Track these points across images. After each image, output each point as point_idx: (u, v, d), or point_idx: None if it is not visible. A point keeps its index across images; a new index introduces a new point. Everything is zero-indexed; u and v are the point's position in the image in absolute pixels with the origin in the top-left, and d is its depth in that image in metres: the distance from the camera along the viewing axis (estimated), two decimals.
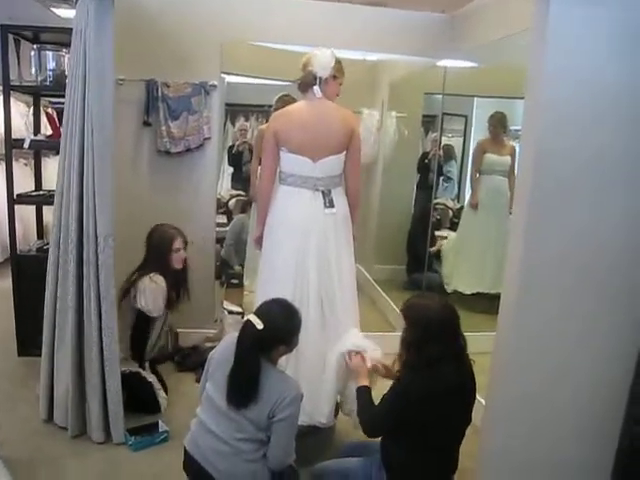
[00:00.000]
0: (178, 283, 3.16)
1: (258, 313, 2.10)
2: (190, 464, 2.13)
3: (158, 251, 3.08)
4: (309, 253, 2.66)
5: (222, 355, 2.15)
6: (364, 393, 2.26)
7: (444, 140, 5.01)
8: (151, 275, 2.98)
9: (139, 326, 3.05)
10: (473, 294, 4.22)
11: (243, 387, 2.02)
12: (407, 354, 2.08)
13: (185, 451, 2.15)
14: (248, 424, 2.03)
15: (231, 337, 2.19)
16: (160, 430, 2.79)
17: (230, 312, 3.75)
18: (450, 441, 2.11)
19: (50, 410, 2.85)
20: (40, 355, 2.94)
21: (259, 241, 2.86)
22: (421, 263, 4.60)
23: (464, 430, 2.12)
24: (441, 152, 4.91)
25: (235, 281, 3.99)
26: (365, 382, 2.32)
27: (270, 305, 2.16)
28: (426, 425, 2.01)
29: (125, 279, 3.02)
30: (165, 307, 3.07)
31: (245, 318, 2.12)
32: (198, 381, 3.29)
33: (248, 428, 2.04)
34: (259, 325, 2.03)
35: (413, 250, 5.08)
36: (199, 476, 2.10)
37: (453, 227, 4.95)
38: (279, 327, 2.09)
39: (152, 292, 2.95)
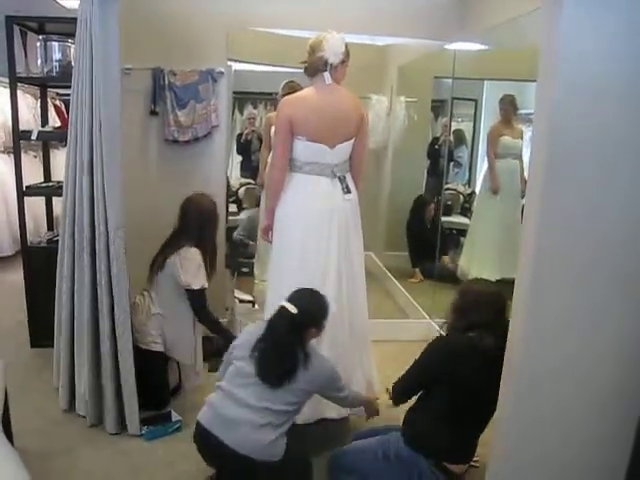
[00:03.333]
0: (212, 257, 3.07)
1: (290, 300, 2.28)
2: (205, 437, 2.18)
3: (202, 223, 2.95)
4: (332, 241, 2.64)
5: (249, 337, 2.30)
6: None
7: (454, 125, 4.95)
8: (182, 249, 2.86)
9: (194, 300, 2.91)
10: (497, 280, 4.17)
11: (279, 367, 2.17)
12: (451, 317, 2.30)
13: (198, 425, 2.21)
14: (283, 394, 2.16)
15: (252, 326, 2.40)
16: (173, 420, 2.79)
17: (241, 301, 3.74)
18: (474, 418, 2.19)
19: (71, 400, 2.87)
20: (53, 346, 2.97)
21: (267, 231, 2.83)
22: (426, 252, 4.62)
23: (488, 414, 2.18)
24: (452, 137, 4.86)
25: (246, 270, 3.99)
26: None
27: (301, 292, 2.34)
28: (455, 387, 2.13)
29: (157, 253, 2.96)
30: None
31: (279, 305, 2.29)
32: (211, 370, 3.32)
33: (282, 398, 2.16)
34: (293, 310, 2.22)
35: (414, 240, 5.11)
36: (214, 448, 2.17)
37: (464, 212, 4.91)
38: (310, 311, 2.28)
39: (190, 265, 2.83)
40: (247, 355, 2.22)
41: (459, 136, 5.11)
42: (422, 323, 4.03)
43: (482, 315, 2.19)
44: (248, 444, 2.10)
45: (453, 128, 4.90)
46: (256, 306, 3.69)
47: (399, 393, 2.33)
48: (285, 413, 2.17)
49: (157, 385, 2.96)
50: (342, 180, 2.67)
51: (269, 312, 2.73)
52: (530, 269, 1.93)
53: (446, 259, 4.60)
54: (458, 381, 2.13)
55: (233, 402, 2.16)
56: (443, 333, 2.40)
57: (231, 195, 5.24)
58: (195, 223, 2.94)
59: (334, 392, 2.39)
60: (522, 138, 4.15)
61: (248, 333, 2.36)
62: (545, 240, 1.90)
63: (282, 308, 2.27)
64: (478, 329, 2.18)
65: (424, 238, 4.77)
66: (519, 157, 4.14)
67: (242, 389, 2.18)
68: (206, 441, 2.18)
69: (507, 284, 2.26)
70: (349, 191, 2.68)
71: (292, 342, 2.22)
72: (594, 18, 1.78)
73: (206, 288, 2.91)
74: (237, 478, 2.24)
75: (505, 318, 2.18)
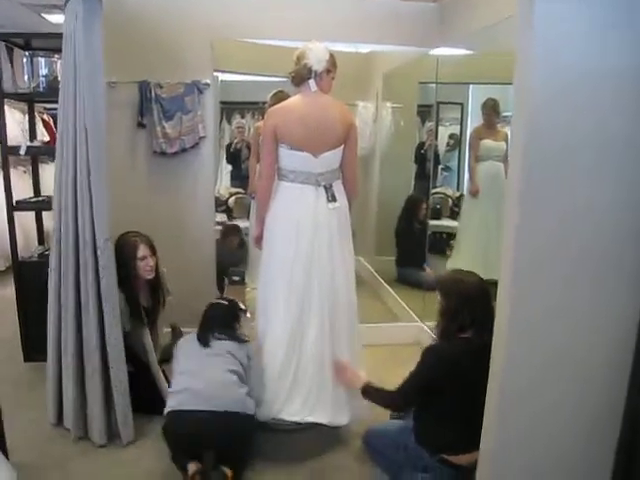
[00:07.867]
0: (155, 292, 3.12)
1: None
2: (178, 419, 2.36)
3: (123, 263, 2.86)
4: (316, 249, 2.66)
5: (187, 343, 2.69)
6: (371, 389, 2.43)
7: (449, 129, 5.00)
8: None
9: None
10: None
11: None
12: (442, 322, 2.32)
13: (169, 414, 2.40)
14: (232, 357, 2.52)
15: (184, 339, 2.75)
16: None
17: None
18: (475, 412, 2.17)
19: (59, 414, 2.87)
20: (46, 360, 2.97)
21: (259, 240, 2.86)
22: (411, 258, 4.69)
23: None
24: (451, 141, 4.92)
25: (237, 278, 3.98)
26: (362, 381, 2.48)
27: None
28: (454, 391, 2.19)
29: None
30: (147, 318, 3.02)
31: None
32: None
33: (233, 360, 2.52)
34: (225, 302, 2.87)
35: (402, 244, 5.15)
36: (190, 426, 2.32)
37: (453, 215, 4.95)
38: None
39: None
40: (187, 368, 2.53)
41: (455, 140, 5.16)
42: (413, 326, 4.06)
43: (472, 314, 2.25)
44: (224, 398, 2.35)
45: (449, 132, 4.95)
46: (248, 314, 3.69)
47: (403, 402, 2.39)
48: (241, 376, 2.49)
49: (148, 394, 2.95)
50: (327, 189, 2.68)
51: (261, 320, 2.76)
52: (510, 277, 1.90)
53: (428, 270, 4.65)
54: (459, 386, 2.19)
55: (192, 376, 2.44)
56: (434, 337, 2.44)
57: (221, 205, 5.26)
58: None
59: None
60: (506, 141, 4.20)
61: (184, 342, 2.72)
62: (525, 248, 1.87)
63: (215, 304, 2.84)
64: (471, 328, 2.25)
65: (413, 240, 4.80)
66: (503, 159, 4.18)
67: (199, 363, 2.51)
68: (180, 422, 2.35)
69: (490, 285, 2.29)
70: (334, 200, 2.68)
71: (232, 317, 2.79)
72: (568, 17, 1.80)
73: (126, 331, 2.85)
74: (218, 445, 2.34)
75: (492, 305, 2.22)
